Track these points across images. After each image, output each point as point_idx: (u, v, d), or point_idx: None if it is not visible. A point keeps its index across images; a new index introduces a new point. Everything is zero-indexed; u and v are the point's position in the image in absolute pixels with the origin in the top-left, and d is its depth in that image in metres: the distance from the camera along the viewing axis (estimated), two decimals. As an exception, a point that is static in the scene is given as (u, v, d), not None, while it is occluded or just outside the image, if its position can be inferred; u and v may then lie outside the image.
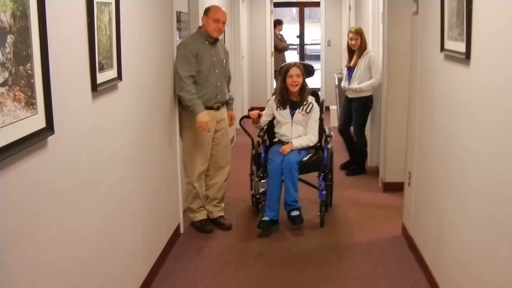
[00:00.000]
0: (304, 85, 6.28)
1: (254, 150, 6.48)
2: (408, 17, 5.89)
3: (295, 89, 6.19)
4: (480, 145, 3.58)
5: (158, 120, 5.14)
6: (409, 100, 5.78)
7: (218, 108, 5.91)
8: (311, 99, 6.33)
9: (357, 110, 8.08)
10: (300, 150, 6.16)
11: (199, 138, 5.82)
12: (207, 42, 5.78)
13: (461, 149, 3.97)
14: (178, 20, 6.31)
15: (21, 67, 2.52)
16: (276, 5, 15.98)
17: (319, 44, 14.95)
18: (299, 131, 6.25)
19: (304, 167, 6.16)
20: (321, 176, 6.22)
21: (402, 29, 6.64)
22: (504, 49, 3.14)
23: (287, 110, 6.27)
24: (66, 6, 3.10)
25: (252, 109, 6.80)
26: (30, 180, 2.69)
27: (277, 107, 6.32)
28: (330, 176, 6.39)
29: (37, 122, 2.70)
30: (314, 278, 5.00)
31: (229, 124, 6.24)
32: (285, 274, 5.09)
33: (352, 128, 8.34)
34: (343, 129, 8.38)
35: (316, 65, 15.46)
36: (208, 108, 5.75)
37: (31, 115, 2.63)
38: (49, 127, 2.80)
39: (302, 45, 18.20)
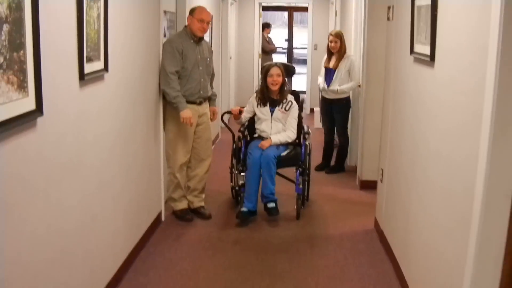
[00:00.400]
0: (283, 84, 6.58)
1: (234, 145, 6.77)
2: (386, 22, 6.18)
3: (275, 88, 6.49)
4: (439, 143, 3.86)
5: (142, 112, 5.41)
6: (383, 101, 6.07)
7: (200, 103, 6.19)
8: (290, 97, 6.63)
9: (339, 111, 8.35)
10: (278, 145, 6.44)
11: (182, 131, 6.10)
12: (192, 41, 6.06)
13: (424, 147, 4.25)
14: (165, 19, 6.58)
15: (15, 54, 2.81)
16: (266, 9, 16.22)
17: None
18: (278, 128, 6.54)
19: (282, 162, 6.45)
20: (298, 171, 6.51)
21: (380, 34, 6.90)
22: (463, 53, 3.42)
23: (267, 108, 6.56)
24: (58, 1, 3.38)
25: (238, 108, 7.13)
26: (19, 156, 2.97)
27: (257, 104, 6.61)
28: (307, 171, 6.67)
29: (28, 104, 2.98)
30: (286, 265, 5.27)
31: (212, 119, 6.52)
32: (259, 260, 5.37)
33: (336, 129, 8.61)
34: (330, 133, 8.67)
35: (303, 68, 15.78)
36: (190, 102, 6.03)
37: (23, 97, 2.92)
38: (39, 109, 3.09)
39: (290, 48, 18.43)
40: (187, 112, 5.89)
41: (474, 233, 3.11)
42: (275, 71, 6.48)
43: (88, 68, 3.84)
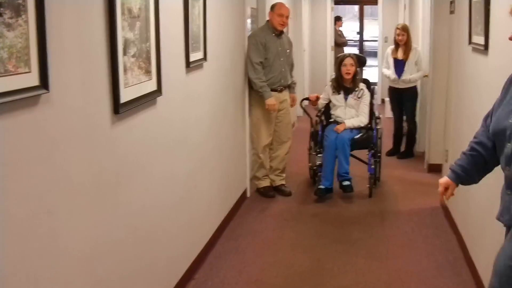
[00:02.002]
0: (356, 73, 7.17)
1: (312, 128, 7.40)
2: (449, 16, 6.73)
3: (348, 76, 7.09)
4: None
5: (232, 98, 6.11)
6: (447, 87, 6.62)
7: (281, 91, 6.85)
8: (362, 85, 7.22)
9: (410, 99, 8.90)
10: (352, 129, 7.04)
11: (265, 116, 6.78)
12: (273, 34, 6.71)
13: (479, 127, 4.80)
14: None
15: (143, 45, 3.52)
16: (337, 2, 16.59)
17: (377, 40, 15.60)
18: (351, 113, 7.13)
19: (355, 144, 7.05)
20: (371, 153, 7.09)
21: (445, 26, 7.34)
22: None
23: (341, 95, 7.16)
24: (170, 2, 4.10)
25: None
26: (144, 128, 3.68)
27: (332, 92, 7.22)
28: (378, 153, 7.27)
29: (152, 85, 3.70)
30: (360, 235, 5.88)
31: (291, 105, 7.17)
32: (335, 230, 6.00)
33: (404, 117, 9.15)
34: (399, 121, 9.18)
35: (373, 61, 16.18)
36: (272, 90, 6.68)
37: (148, 80, 3.63)
38: (159, 90, 3.80)
39: (361, 41, 18.79)
40: (272, 100, 6.57)
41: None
42: (348, 61, 7.08)
43: (192, 57, 4.58)
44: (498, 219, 3.15)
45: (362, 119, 7.12)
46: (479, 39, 4.82)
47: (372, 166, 7.09)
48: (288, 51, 6.96)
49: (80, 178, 2.85)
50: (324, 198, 6.91)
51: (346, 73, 7.07)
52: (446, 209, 6.31)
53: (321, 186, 6.89)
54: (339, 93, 7.18)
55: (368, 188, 7.11)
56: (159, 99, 3.85)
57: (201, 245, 5.09)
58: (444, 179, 3.38)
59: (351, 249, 5.51)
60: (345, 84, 7.16)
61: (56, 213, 2.64)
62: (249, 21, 7.24)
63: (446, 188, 3.39)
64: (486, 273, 4.50)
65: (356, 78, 7.20)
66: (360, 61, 7.58)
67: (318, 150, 7.15)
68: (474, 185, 4.96)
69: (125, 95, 3.25)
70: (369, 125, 7.33)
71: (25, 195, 2.41)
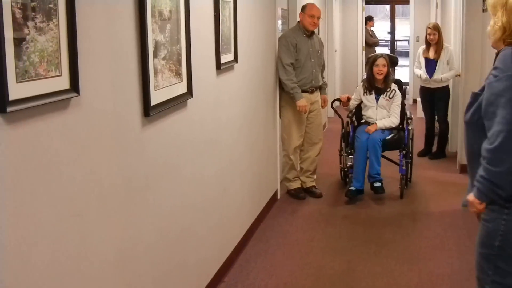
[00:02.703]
0: (388, 73, 7.12)
1: (343, 129, 7.36)
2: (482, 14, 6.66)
3: (380, 77, 7.05)
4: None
5: (263, 99, 6.09)
6: (480, 86, 6.54)
7: (312, 92, 6.83)
8: (394, 86, 7.17)
9: (441, 98, 8.81)
10: (383, 130, 6.99)
11: (296, 117, 6.77)
12: (304, 35, 6.69)
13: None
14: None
15: (174, 47, 3.53)
16: (368, 2, 16.53)
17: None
18: (383, 114, 7.08)
19: (387, 145, 7.00)
20: (402, 154, 7.03)
21: (478, 24, 7.26)
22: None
23: (373, 96, 7.12)
24: (201, 4, 4.10)
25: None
26: (175, 131, 3.69)
27: (364, 92, 7.18)
28: (410, 154, 7.21)
29: (182, 87, 3.70)
30: (391, 236, 5.84)
31: (322, 106, 7.15)
32: (366, 232, 5.96)
33: (436, 117, 9.07)
34: (431, 121, 9.10)
35: (405, 61, 16.10)
36: (303, 91, 6.65)
37: (179, 82, 3.64)
38: (189, 92, 3.80)
39: (393, 41, 18.72)
40: (303, 101, 6.55)
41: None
42: (381, 61, 7.04)
43: (223, 59, 4.58)
44: None
45: (393, 120, 7.07)
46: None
47: (404, 167, 7.04)
48: (319, 52, 6.94)
49: (110, 181, 2.87)
50: (355, 199, 6.87)
51: (378, 73, 7.04)
52: (479, 211, 6.23)
53: (352, 188, 6.85)
54: (370, 94, 7.14)
55: (399, 189, 7.07)
56: (189, 101, 3.85)
57: (231, 248, 5.09)
58: None
59: (382, 251, 5.47)
60: (376, 85, 7.12)
61: (87, 216, 2.66)
62: (280, 22, 7.23)
63: None
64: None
65: (388, 79, 7.15)
66: (392, 61, 7.55)
67: (349, 151, 7.12)
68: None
69: (156, 98, 3.26)
70: (401, 126, 7.28)
71: (56, 198, 2.43)
